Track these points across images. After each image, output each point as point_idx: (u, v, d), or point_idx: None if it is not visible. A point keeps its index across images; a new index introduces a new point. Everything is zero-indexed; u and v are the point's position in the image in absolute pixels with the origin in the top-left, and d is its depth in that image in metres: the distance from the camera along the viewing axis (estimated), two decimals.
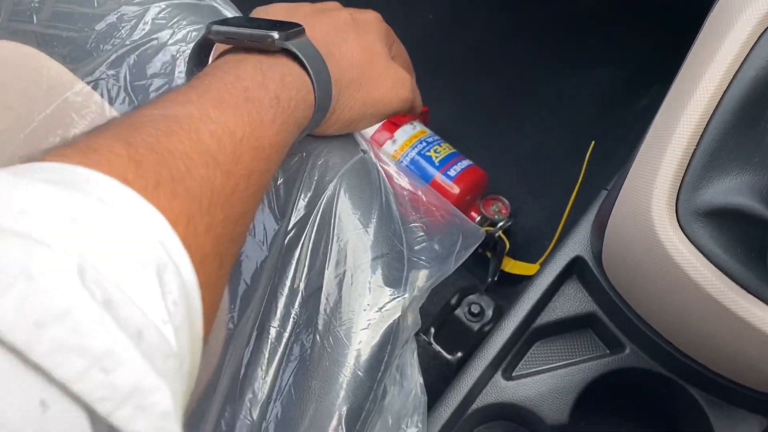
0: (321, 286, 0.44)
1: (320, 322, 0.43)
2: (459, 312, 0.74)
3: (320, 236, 0.45)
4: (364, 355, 0.43)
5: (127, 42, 0.51)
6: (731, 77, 0.43)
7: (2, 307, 0.18)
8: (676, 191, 0.44)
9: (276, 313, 0.44)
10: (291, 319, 0.44)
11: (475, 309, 0.74)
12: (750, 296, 0.42)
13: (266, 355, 0.43)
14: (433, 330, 0.73)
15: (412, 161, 0.85)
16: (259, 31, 0.37)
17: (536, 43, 1.08)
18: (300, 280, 0.44)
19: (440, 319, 0.74)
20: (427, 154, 0.85)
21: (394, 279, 0.46)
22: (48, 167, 0.24)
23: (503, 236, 0.85)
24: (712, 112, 0.43)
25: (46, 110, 0.52)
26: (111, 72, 0.51)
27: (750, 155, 0.42)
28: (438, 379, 0.67)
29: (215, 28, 0.39)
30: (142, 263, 0.22)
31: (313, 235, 0.45)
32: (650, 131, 0.49)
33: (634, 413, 0.67)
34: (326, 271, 0.44)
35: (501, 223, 0.85)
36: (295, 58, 0.39)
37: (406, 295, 0.45)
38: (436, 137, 0.88)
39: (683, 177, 0.44)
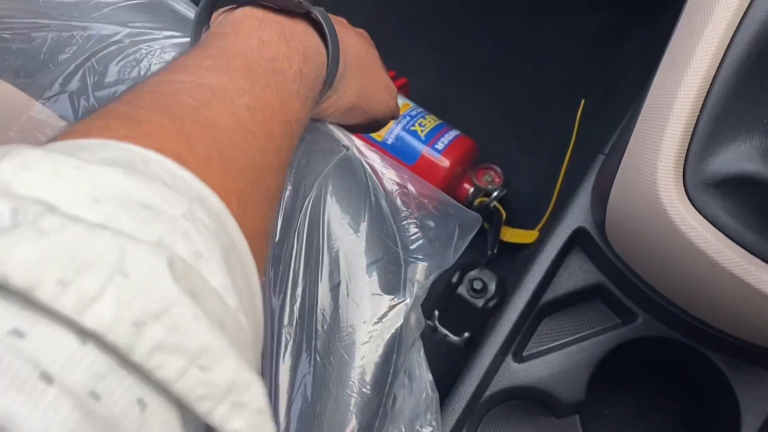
0: (316, 301, 0.41)
1: (319, 341, 0.41)
2: (461, 290, 0.72)
3: (311, 245, 0.42)
4: (369, 371, 0.40)
5: (86, 47, 0.47)
6: (732, 34, 0.40)
7: (101, 307, 0.17)
8: (683, 162, 0.41)
9: (269, 335, 0.41)
10: (285, 340, 0.41)
11: (477, 285, 0.72)
12: None
13: (266, 384, 0.40)
14: (437, 312, 0.71)
15: (398, 138, 0.81)
16: None
17: None
18: (295, 297, 0.42)
19: (443, 300, 0.72)
20: (412, 128, 0.81)
21: (392, 284, 0.43)
22: (99, 144, 0.22)
23: (499, 206, 0.82)
24: (714, 73, 0.40)
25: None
26: (72, 84, 0.48)
27: (758, 117, 0.39)
28: (446, 364, 0.65)
29: None
30: (212, 250, 0.21)
31: (304, 244, 0.42)
32: (650, 95, 0.46)
33: (653, 383, 0.65)
34: (320, 284, 0.42)
35: (495, 193, 0.82)
36: (314, 26, 0.36)
37: (407, 300, 0.43)
38: (420, 109, 0.84)
39: (689, 146, 0.41)
